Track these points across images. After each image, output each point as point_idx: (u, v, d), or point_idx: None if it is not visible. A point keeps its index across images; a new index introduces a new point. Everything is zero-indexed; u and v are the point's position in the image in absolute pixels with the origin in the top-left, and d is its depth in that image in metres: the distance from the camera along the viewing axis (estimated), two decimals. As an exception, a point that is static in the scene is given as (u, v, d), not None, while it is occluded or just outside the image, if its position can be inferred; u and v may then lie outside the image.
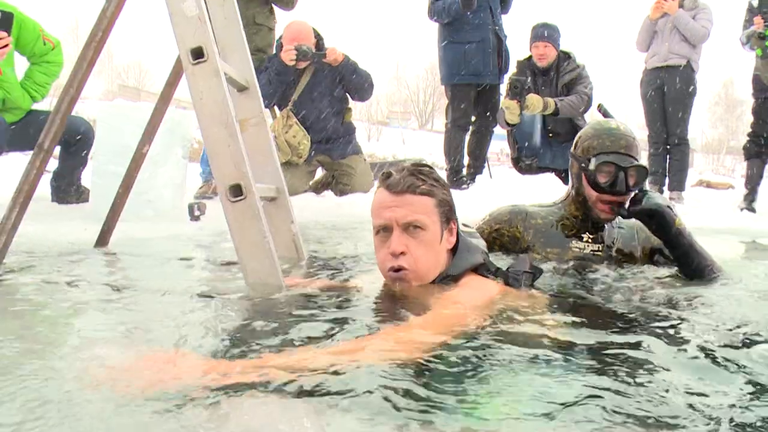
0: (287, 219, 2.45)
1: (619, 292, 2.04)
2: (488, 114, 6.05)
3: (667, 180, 6.26)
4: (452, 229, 1.87)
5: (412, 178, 1.79)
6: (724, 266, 2.32)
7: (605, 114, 2.70)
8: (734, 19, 5.83)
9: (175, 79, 2.55)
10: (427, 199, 1.79)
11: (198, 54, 1.95)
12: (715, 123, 49.89)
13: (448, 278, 1.83)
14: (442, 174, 6.16)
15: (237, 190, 1.96)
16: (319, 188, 5.54)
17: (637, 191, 2.26)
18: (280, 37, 5.28)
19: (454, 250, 1.89)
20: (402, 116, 48.71)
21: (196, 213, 3.77)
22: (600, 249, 2.37)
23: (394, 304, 1.75)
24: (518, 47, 6.05)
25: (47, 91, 4.35)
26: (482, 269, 1.90)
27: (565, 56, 5.52)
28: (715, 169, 40.23)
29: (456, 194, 4.25)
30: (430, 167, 1.91)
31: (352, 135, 5.56)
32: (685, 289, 2.09)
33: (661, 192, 6.17)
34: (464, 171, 6.25)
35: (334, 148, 5.35)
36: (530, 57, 5.60)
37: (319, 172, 5.69)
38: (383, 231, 1.80)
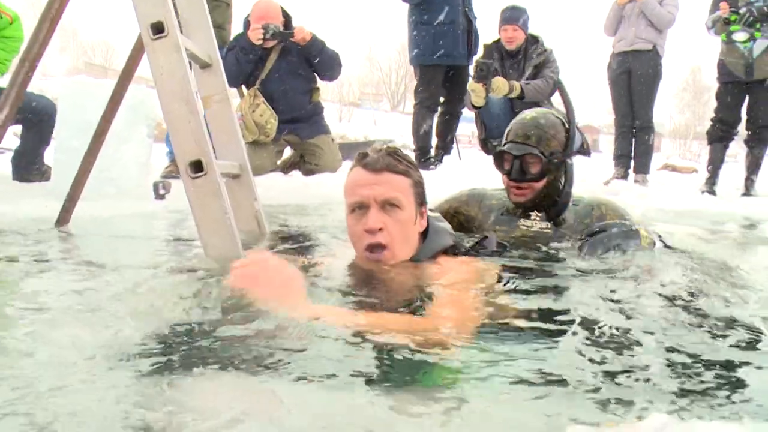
0: (250, 196, 2.45)
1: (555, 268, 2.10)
2: (457, 95, 6.05)
3: (632, 163, 6.35)
4: (423, 213, 1.89)
5: (389, 158, 1.81)
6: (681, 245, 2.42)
7: (561, 91, 2.76)
8: (702, 6, 5.90)
9: (137, 54, 2.52)
10: (404, 179, 1.81)
11: (158, 29, 1.94)
12: (683, 109, 50.61)
13: (418, 262, 1.84)
14: (410, 155, 6.19)
15: (197, 166, 1.96)
16: (287, 168, 5.52)
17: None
18: (248, 16, 5.24)
19: (424, 235, 1.91)
20: (374, 98, 48.53)
21: (161, 191, 3.74)
22: (548, 227, 2.43)
23: (359, 282, 1.76)
24: (487, 30, 6.07)
25: (7, 68, 4.26)
26: (452, 251, 1.93)
27: (533, 40, 5.53)
28: (682, 154, 40.92)
29: (425, 175, 4.26)
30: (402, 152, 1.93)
31: (320, 115, 5.55)
32: (634, 263, 2.14)
33: (627, 175, 6.27)
34: (432, 152, 6.27)
35: (302, 128, 5.33)
36: (498, 40, 5.60)
37: (287, 152, 5.67)
38: (359, 209, 1.79)
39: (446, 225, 2.07)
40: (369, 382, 1.10)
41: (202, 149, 1.95)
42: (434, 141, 6.34)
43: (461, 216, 2.58)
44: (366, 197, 1.77)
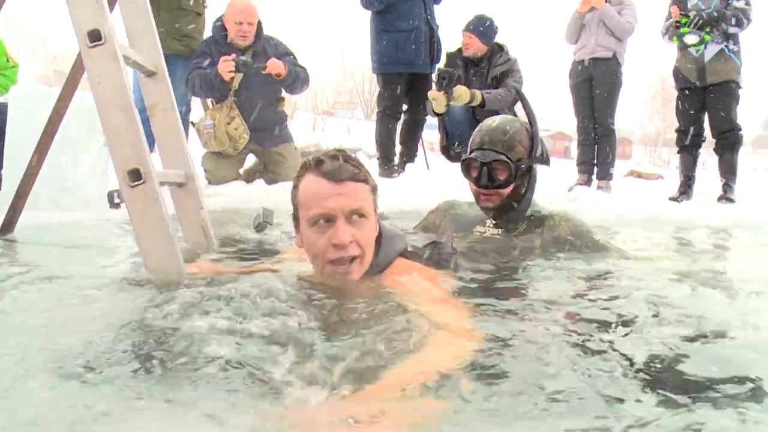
0: (196, 205, 2.43)
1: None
2: (419, 103, 6.05)
3: (595, 169, 6.42)
4: (375, 217, 1.83)
5: (348, 166, 1.71)
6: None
7: (522, 100, 2.81)
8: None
9: (81, 63, 2.49)
10: (365, 186, 1.72)
11: (95, 37, 1.92)
12: (653, 116, 51.41)
13: (376, 267, 1.78)
14: (374, 163, 6.19)
15: (136, 175, 1.94)
16: (250, 177, 5.50)
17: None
18: (221, 16, 5.21)
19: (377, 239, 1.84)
20: (347, 106, 48.56)
21: (116, 200, 3.68)
22: (499, 233, 2.47)
23: (301, 294, 1.69)
24: (451, 38, 6.09)
25: None
26: (407, 254, 1.89)
27: (498, 48, 5.57)
28: (652, 161, 41.50)
29: (388, 183, 4.29)
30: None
31: (284, 123, 5.55)
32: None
33: (590, 181, 6.34)
34: (396, 160, 6.28)
35: (265, 137, 5.32)
36: (460, 48, 5.65)
37: (249, 160, 5.66)
38: (324, 221, 1.67)
39: (389, 222, 2.03)
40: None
41: (140, 158, 1.94)
42: (398, 149, 6.34)
43: (429, 222, 2.70)
44: (332, 209, 1.66)
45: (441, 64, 5.72)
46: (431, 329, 1.37)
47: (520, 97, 2.97)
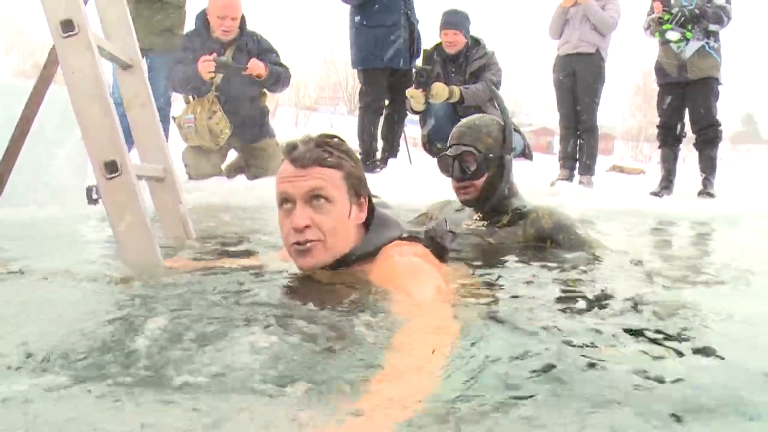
0: (175, 199, 2.40)
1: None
2: (401, 98, 6.02)
3: (577, 164, 6.44)
4: (362, 204, 1.79)
5: (318, 150, 1.70)
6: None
7: (494, 94, 2.83)
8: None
9: (56, 56, 2.45)
10: (333, 171, 1.70)
11: (68, 27, 1.89)
12: (635, 112, 51.74)
13: (361, 256, 1.75)
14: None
15: (112, 167, 1.91)
16: (232, 172, 5.47)
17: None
18: (204, 10, 5.16)
19: (367, 226, 1.82)
20: (331, 101, 48.40)
21: (95, 196, 3.66)
22: (484, 225, 2.50)
23: (286, 289, 1.71)
24: (428, 34, 6.06)
25: None
26: (404, 240, 1.84)
27: (474, 43, 5.56)
28: (634, 156, 41.85)
29: (370, 178, 4.24)
30: (340, 138, 1.82)
31: (265, 118, 5.52)
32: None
33: (572, 176, 6.37)
34: (378, 155, 6.26)
35: (246, 132, 5.29)
36: (439, 44, 5.62)
37: (230, 156, 5.62)
38: (286, 204, 1.71)
39: (392, 211, 2.01)
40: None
41: (117, 149, 1.91)
42: (380, 144, 6.33)
43: (426, 218, 2.71)
44: (291, 193, 1.69)
45: (418, 62, 5.69)
46: (402, 327, 1.35)
47: (492, 91, 3.01)
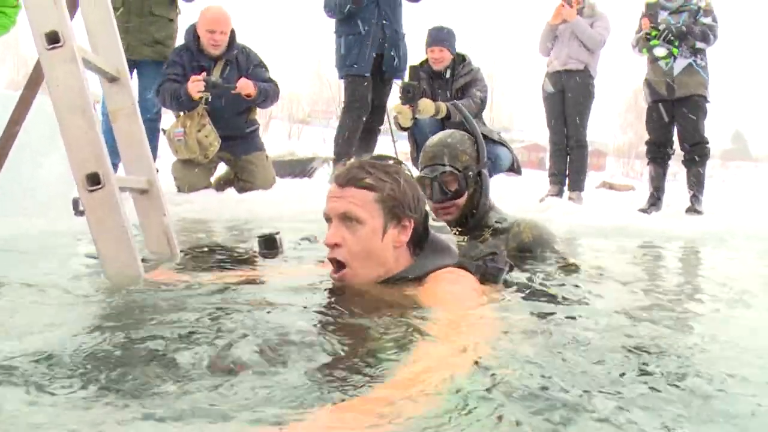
0: (159, 212, 2.39)
1: None
2: (376, 111, 5.99)
3: (567, 180, 6.46)
4: (405, 227, 1.78)
5: (357, 170, 1.74)
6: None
7: (458, 110, 2.83)
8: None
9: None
10: (367, 193, 1.72)
11: (53, 39, 1.89)
12: (626, 129, 52.12)
13: (407, 280, 1.76)
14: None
15: (95, 179, 1.91)
16: (221, 185, 5.46)
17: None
18: (194, 24, 5.17)
19: (419, 249, 1.83)
20: (324, 115, 48.44)
21: (81, 208, 3.64)
22: (464, 240, 2.49)
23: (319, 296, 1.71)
24: (414, 49, 6.04)
25: None
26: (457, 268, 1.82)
27: (460, 59, 5.55)
28: (626, 173, 42.07)
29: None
30: (396, 161, 1.85)
31: (256, 132, 5.53)
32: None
33: (561, 192, 6.38)
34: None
35: (236, 145, 5.30)
36: (425, 61, 5.61)
37: (220, 169, 5.62)
38: (327, 222, 1.78)
39: (450, 237, 2.01)
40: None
41: (100, 161, 1.91)
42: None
43: None
44: (326, 211, 1.76)
45: (405, 78, 5.67)
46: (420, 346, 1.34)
47: (456, 108, 3.00)
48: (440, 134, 2.55)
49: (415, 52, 6.05)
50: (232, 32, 5.18)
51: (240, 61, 5.20)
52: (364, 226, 1.72)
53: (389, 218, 1.75)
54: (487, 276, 1.83)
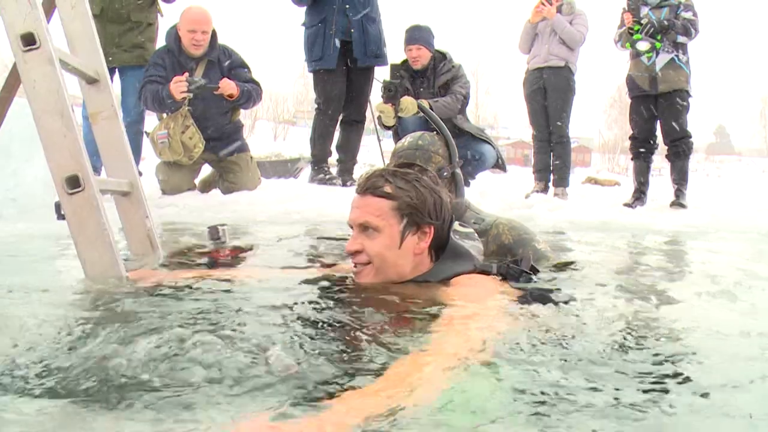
0: (141, 214, 2.37)
1: None
2: (352, 103, 5.86)
3: (551, 177, 6.48)
4: (426, 233, 1.82)
5: (376, 179, 1.80)
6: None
7: (423, 111, 2.82)
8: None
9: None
10: (383, 201, 1.78)
11: (29, 41, 1.87)
12: (611, 124, 52.46)
13: (424, 283, 1.81)
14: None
15: (74, 182, 1.90)
16: (206, 187, 5.43)
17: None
18: (175, 25, 5.13)
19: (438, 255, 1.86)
20: (309, 115, 48.15)
21: (63, 211, 3.61)
22: None
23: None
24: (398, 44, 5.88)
25: None
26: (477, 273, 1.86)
27: (440, 57, 5.52)
28: (611, 168, 42.31)
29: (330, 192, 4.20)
30: (422, 168, 1.91)
31: (240, 133, 5.49)
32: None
33: (546, 188, 6.40)
34: (337, 165, 6.10)
35: (220, 146, 5.25)
36: (406, 60, 5.59)
37: (204, 170, 5.58)
38: (351, 229, 1.84)
39: (476, 244, 1.99)
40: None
41: (79, 164, 1.90)
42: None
43: None
44: (348, 220, 1.83)
45: (386, 77, 5.58)
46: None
47: (421, 109, 2.99)
48: (410, 137, 2.51)
49: (397, 47, 5.94)
50: (214, 33, 5.15)
51: (222, 61, 5.17)
52: (382, 234, 1.78)
53: (408, 226, 1.79)
54: (509, 278, 1.86)
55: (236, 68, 5.21)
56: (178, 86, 4.83)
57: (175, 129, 4.99)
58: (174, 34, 5.10)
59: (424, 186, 1.83)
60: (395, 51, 5.96)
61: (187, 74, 4.91)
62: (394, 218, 1.77)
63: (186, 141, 5.01)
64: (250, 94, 5.17)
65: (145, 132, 5.32)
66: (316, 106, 5.97)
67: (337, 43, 5.58)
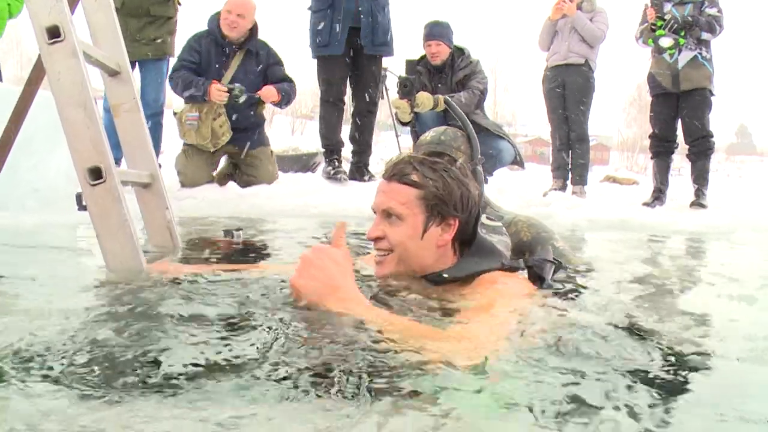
0: (162, 205, 2.40)
1: None
2: (360, 91, 5.77)
3: (570, 174, 6.44)
4: (450, 226, 1.74)
5: (403, 166, 1.73)
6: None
7: (449, 106, 2.80)
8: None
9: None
10: (409, 189, 1.71)
11: (54, 33, 1.89)
12: (630, 123, 52.03)
13: (448, 279, 1.71)
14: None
15: (97, 173, 1.91)
16: (222, 179, 5.46)
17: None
18: (218, 12, 5.17)
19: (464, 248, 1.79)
20: (327, 110, 48.04)
21: (84, 202, 3.65)
22: None
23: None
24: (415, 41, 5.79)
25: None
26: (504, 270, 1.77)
27: (458, 52, 5.49)
28: (630, 166, 41.96)
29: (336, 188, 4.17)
30: (451, 158, 1.87)
31: (262, 126, 5.53)
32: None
33: (565, 186, 6.37)
34: (349, 158, 6.06)
35: (243, 139, 5.28)
36: (423, 56, 5.58)
37: (222, 163, 5.61)
38: (375, 214, 1.78)
39: (504, 239, 1.96)
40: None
41: (101, 155, 1.91)
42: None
43: None
44: (373, 205, 1.78)
45: (402, 72, 5.52)
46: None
47: (447, 104, 2.97)
48: (434, 131, 2.48)
49: (411, 42, 5.91)
50: (255, 26, 5.21)
51: (260, 55, 5.22)
52: (404, 223, 1.71)
53: (432, 216, 1.72)
54: (534, 275, 1.77)
55: (273, 65, 5.26)
56: (219, 95, 4.90)
57: (207, 114, 5.06)
58: (216, 22, 5.16)
59: (452, 177, 1.75)
60: (411, 46, 5.90)
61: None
62: (419, 207, 1.71)
63: (216, 128, 5.07)
64: (289, 96, 5.27)
65: (174, 112, 5.35)
66: (320, 96, 5.90)
67: (344, 28, 5.47)
